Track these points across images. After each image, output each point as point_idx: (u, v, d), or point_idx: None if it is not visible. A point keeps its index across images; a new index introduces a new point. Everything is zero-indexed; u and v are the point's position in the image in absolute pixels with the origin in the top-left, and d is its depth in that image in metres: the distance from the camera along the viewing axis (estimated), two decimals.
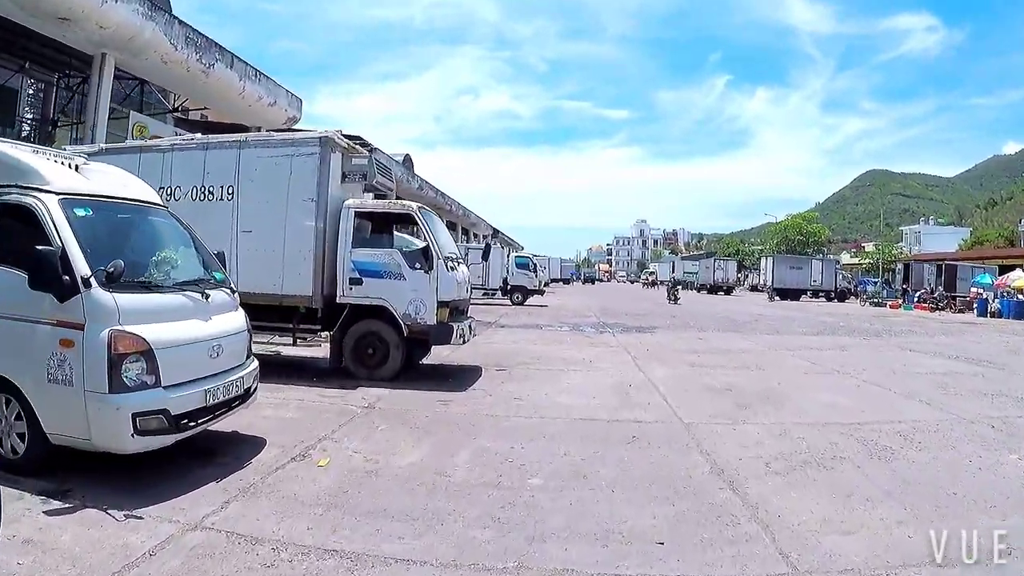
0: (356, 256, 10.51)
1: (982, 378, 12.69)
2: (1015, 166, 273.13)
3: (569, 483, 5.81)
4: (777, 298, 54.44)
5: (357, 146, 11.66)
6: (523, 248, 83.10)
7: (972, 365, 14.60)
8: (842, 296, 58.89)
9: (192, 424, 5.70)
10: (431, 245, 10.26)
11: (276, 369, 10.87)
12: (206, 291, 6.28)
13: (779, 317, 30.47)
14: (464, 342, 11.01)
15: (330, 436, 7.20)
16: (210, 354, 6.01)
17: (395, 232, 11.61)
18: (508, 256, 37.46)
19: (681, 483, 5.89)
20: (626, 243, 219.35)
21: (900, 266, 60.18)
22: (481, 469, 6.16)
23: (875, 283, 63.81)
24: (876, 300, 49.86)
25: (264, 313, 10.67)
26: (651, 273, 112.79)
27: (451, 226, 63.93)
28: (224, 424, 6.52)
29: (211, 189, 11.02)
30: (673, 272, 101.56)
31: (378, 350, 10.49)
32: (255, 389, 6.88)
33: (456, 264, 10.97)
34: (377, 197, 11.97)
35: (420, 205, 10.93)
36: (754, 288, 78.95)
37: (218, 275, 6.91)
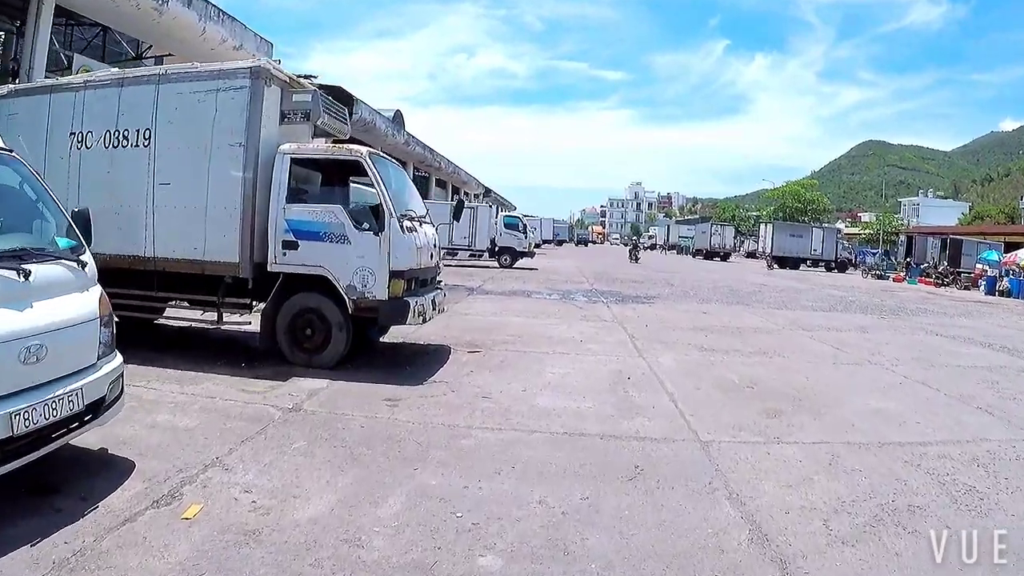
0: (291, 214, 8.49)
1: None
2: (1012, 143, 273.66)
3: (541, 568, 3.84)
4: (775, 266, 52.64)
5: (301, 79, 9.52)
6: (515, 208, 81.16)
7: (1013, 357, 12.72)
8: (842, 266, 57.38)
9: None
10: (383, 200, 8.22)
11: (204, 349, 9.32)
12: (24, 266, 4.23)
13: (783, 288, 28.58)
14: (424, 321, 8.96)
15: (223, 460, 5.27)
16: (23, 359, 3.98)
17: (352, 185, 9.55)
18: (496, 216, 35.24)
19: (709, 564, 3.94)
20: (620, 205, 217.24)
21: (903, 238, 59.08)
22: (413, 532, 4.17)
23: (875, 254, 62.84)
24: (879, 272, 48.20)
25: (186, 283, 9.00)
26: (650, 237, 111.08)
27: (441, 184, 61.86)
28: (92, 437, 4.97)
29: (126, 133, 9.09)
30: (668, 236, 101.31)
31: (318, 330, 8.50)
32: (115, 400, 4.85)
33: (418, 225, 8.90)
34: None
35: (372, 150, 8.84)
36: (750, 255, 77.41)
37: (62, 242, 4.95)
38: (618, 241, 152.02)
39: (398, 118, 50.39)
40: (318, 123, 9.18)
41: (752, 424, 6.92)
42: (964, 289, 38.55)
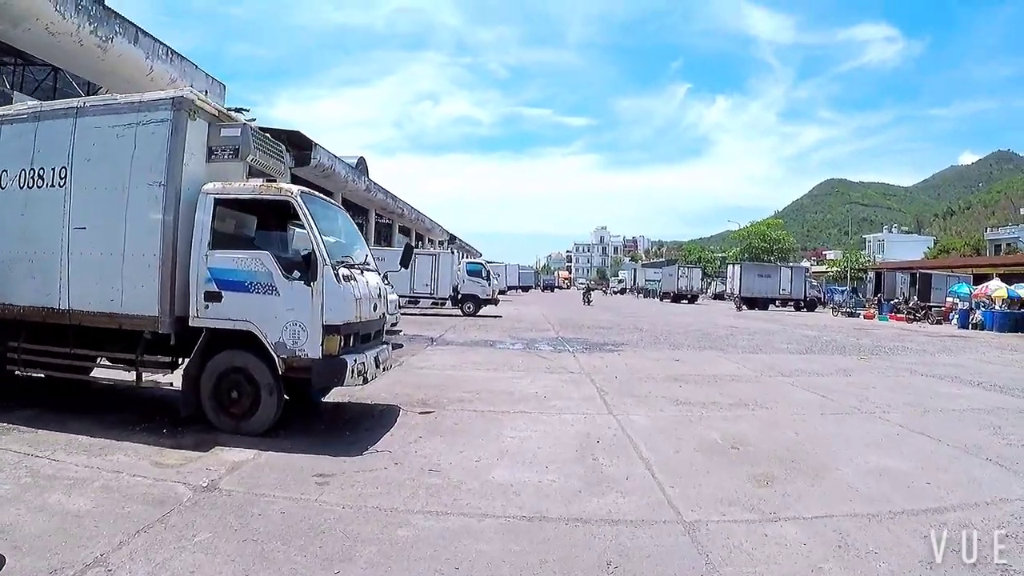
0: (214, 261, 7.48)
1: None
2: (972, 176, 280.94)
3: None
4: (744, 307, 52.21)
5: (231, 112, 8.58)
6: (481, 255, 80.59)
7: (1007, 396, 12.06)
8: (811, 305, 57.72)
9: None
10: (315, 246, 7.24)
11: (128, 410, 8.38)
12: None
13: (756, 330, 27.86)
14: (366, 381, 7.87)
15: (108, 558, 4.32)
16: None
17: (296, 231, 8.57)
18: (459, 263, 34.30)
19: None
20: (586, 250, 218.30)
21: (871, 274, 59.39)
22: None
23: (842, 292, 63.62)
24: (849, 310, 48.20)
25: (105, 339, 8.00)
26: (620, 281, 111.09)
27: (404, 231, 61.09)
28: None
29: (41, 172, 8.15)
30: (635, 279, 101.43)
31: (245, 394, 7.44)
32: None
33: (358, 273, 7.91)
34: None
35: (303, 189, 7.85)
36: (718, 296, 77.20)
37: None
38: (584, 286, 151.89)
39: (361, 165, 49.89)
40: (248, 160, 8.20)
41: (743, 496, 5.96)
42: (936, 323, 38.66)
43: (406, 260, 10.49)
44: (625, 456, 7.15)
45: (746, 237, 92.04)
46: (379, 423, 8.33)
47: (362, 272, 8.04)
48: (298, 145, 32.57)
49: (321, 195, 8.51)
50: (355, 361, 7.41)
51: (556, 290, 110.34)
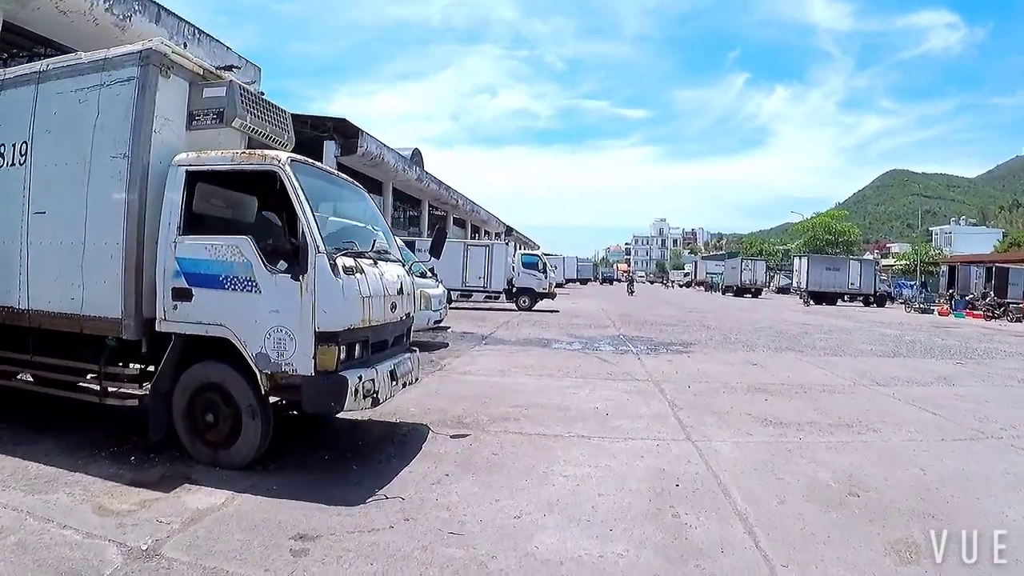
0: (184, 250, 5.93)
1: None
2: None
3: None
4: (811, 302, 49.38)
5: (214, 70, 6.97)
6: (538, 247, 78.71)
7: None
8: (881, 300, 54.28)
9: None
10: (304, 228, 5.60)
11: (101, 427, 7.09)
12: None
13: (831, 328, 25.55)
14: (376, 403, 6.18)
15: None
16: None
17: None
18: (514, 254, 32.61)
19: None
20: (645, 242, 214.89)
21: (944, 268, 56.07)
22: None
23: (911, 286, 61.53)
24: (922, 306, 45.16)
25: (69, 345, 6.52)
26: (686, 274, 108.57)
27: (459, 223, 59.59)
28: None
29: (1, 150, 6.78)
30: (695, 272, 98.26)
31: (223, 417, 5.88)
32: None
33: (368, 264, 6.23)
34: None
35: (296, 156, 6.17)
36: (781, 290, 74.15)
37: None
38: (643, 279, 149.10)
39: (416, 156, 48.52)
40: (236, 125, 6.59)
41: None
42: (1016, 321, 35.79)
43: (437, 248, 8.79)
44: (715, 509, 5.33)
45: (810, 229, 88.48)
46: (399, 451, 6.69)
47: (375, 263, 6.37)
48: (344, 133, 31.37)
49: (328, 168, 6.89)
50: (360, 378, 5.76)
51: (615, 283, 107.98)
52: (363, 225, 7.30)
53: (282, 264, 5.63)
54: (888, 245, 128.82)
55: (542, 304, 31.43)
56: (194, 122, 6.54)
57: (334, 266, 5.58)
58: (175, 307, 5.88)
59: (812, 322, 28.71)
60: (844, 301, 53.68)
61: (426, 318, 14.82)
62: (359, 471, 6.03)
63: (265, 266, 5.59)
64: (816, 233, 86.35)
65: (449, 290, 29.00)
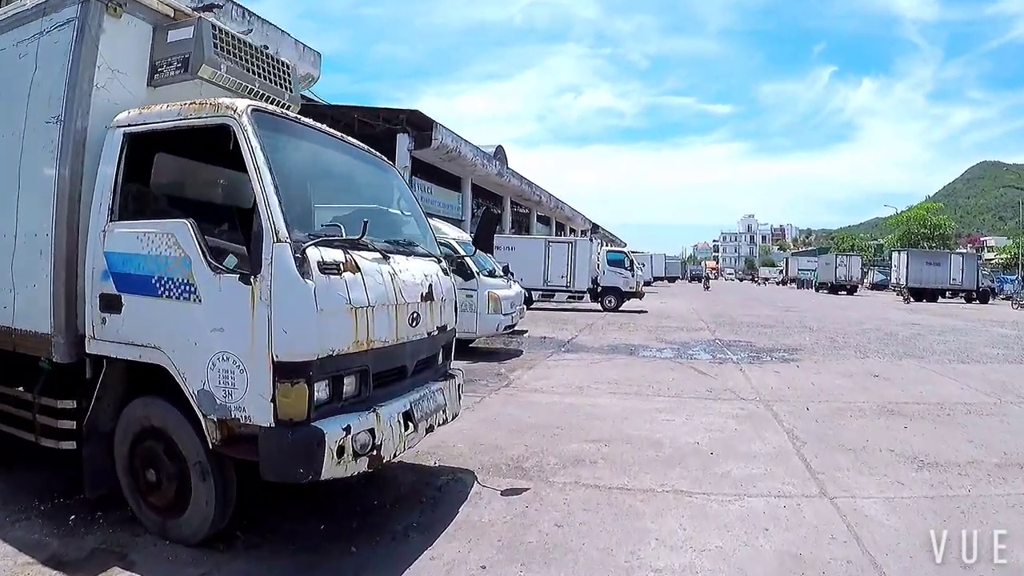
0: (113, 240, 4.21)
1: None
2: None
3: None
4: (912, 299, 45.60)
5: (182, 8, 5.22)
6: (625, 244, 76.07)
7: None
8: (983, 296, 50.49)
9: None
10: (262, 204, 3.75)
11: (58, 467, 5.12)
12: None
13: (942, 328, 22.56)
14: (376, 465, 4.21)
15: None
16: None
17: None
18: (599, 251, 30.34)
19: None
20: (733, 239, 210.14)
21: None
22: None
23: (1012, 281, 58.28)
24: None
25: (6, 366, 4.92)
26: (780, 271, 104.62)
27: (544, 220, 57.74)
28: None
29: None
30: (787, 269, 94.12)
31: (167, 475, 4.15)
32: None
33: (367, 260, 4.33)
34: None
35: (258, 105, 4.33)
36: (876, 286, 69.65)
37: None
38: (732, 276, 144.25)
39: (499, 153, 46.94)
40: (205, 74, 4.84)
41: None
42: None
43: (485, 238, 6.61)
44: None
45: (904, 222, 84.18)
46: (426, 518, 4.84)
47: (385, 258, 4.53)
48: (418, 125, 29.74)
49: (321, 126, 4.99)
50: (348, 430, 3.89)
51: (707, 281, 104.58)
52: (386, 208, 5.51)
53: (232, 260, 3.84)
54: (982, 238, 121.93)
55: (629, 304, 29.11)
56: (157, 74, 4.87)
57: (302, 261, 3.73)
58: (103, 320, 4.20)
59: (920, 322, 25.69)
60: (945, 297, 50.12)
61: (495, 323, 13.02)
62: (359, 555, 4.20)
63: (208, 263, 3.80)
64: (911, 227, 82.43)
65: (529, 290, 27.24)
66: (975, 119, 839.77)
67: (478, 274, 12.95)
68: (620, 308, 28.25)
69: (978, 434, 7.58)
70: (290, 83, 5.82)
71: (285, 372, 3.67)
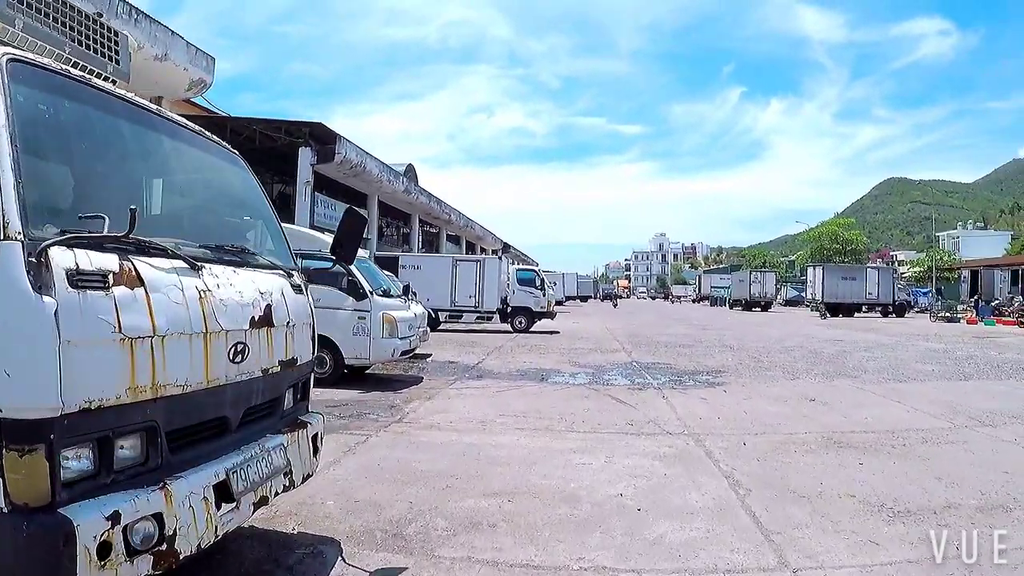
0: None
1: None
2: None
3: None
4: (828, 315, 46.26)
5: None
6: (537, 264, 75.36)
7: None
8: (900, 310, 51.94)
9: None
10: None
11: None
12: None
13: (868, 344, 22.48)
14: (164, 566, 2.78)
15: None
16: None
17: None
18: (508, 270, 29.17)
19: None
20: (645, 258, 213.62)
21: (965, 273, 53.99)
22: None
23: (925, 294, 60.16)
24: (948, 315, 42.56)
25: None
26: (693, 289, 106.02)
27: (453, 240, 56.55)
28: None
29: None
30: (700, 287, 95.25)
31: None
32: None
33: (159, 271, 2.94)
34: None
35: (23, 55, 2.93)
36: (789, 303, 71.23)
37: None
38: (644, 295, 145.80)
39: (410, 172, 45.74)
40: None
41: None
42: None
43: (348, 245, 5.19)
44: None
45: (816, 238, 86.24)
46: None
47: (195, 268, 3.20)
48: (321, 139, 28.14)
49: (115, 89, 3.67)
50: (113, 521, 2.55)
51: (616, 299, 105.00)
52: (218, 207, 4.25)
53: None
54: (890, 253, 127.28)
55: (540, 324, 28.21)
56: None
57: (39, 267, 2.44)
58: None
59: (843, 337, 25.69)
60: (861, 312, 51.14)
61: (390, 349, 11.69)
62: None
63: None
64: (823, 243, 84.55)
65: (436, 311, 25.89)
66: (881, 137, 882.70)
67: (371, 293, 11.64)
68: (531, 329, 27.30)
69: (944, 468, 6.71)
70: (117, 54, 4.45)
71: (12, 435, 2.36)
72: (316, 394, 5.33)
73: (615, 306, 64.28)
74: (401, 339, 11.94)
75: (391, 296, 12.55)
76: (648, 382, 12.83)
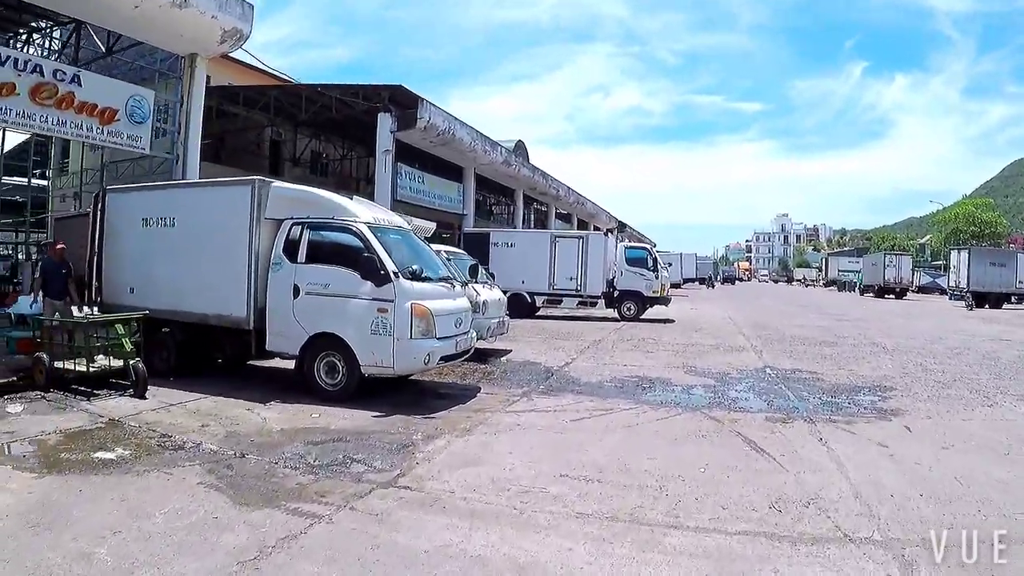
0: None
1: None
2: None
3: None
4: (974, 305, 39.52)
5: None
6: (654, 245, 70.48)
7: None
8: None
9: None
10: None
11: None
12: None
13: None
14: None
15: None
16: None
17: None
18: (615, 248, 24.98)
19: None
20: (767, 239, 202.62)
21: None
22: None
23: None
24: None
25: None
26: (819, 272, 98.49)
27: (564, 219, 52.90)
28: None
29: None
30: (825, 270, 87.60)
31: None
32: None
33: None
34: None
35: None
36: (922, 289, 62.90)
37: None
38: (767, 278, 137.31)
39: (520, 149, 42.66)
40: None
41: None
42: None
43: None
44: None
45: (950, 220, 77.20)
46: None
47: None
48: (402, 103, 24.91)
49: None
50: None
51: (737, 282, 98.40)
52: None
53: None
54: None
55: (653, 311, 24.06)
56: None
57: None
58: None
59: (1008, 336, 20.45)
60: (1011, 303, 42.90)
61: (422, 354, 8.26)
62: None
63: None
64: (958, 225, 75.52)
65: (532, 295, 22.50)
66: (1012, 115, 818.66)
67: (396, 275, 8.27)
68: (642, 316, 23.37)
69: None
70: None
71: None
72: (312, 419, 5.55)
73: (712, 287, 66.69)
74: (441, 339, 8.54)
75: (422, 279, 8.90)
76: (793, 406, 8.96)
